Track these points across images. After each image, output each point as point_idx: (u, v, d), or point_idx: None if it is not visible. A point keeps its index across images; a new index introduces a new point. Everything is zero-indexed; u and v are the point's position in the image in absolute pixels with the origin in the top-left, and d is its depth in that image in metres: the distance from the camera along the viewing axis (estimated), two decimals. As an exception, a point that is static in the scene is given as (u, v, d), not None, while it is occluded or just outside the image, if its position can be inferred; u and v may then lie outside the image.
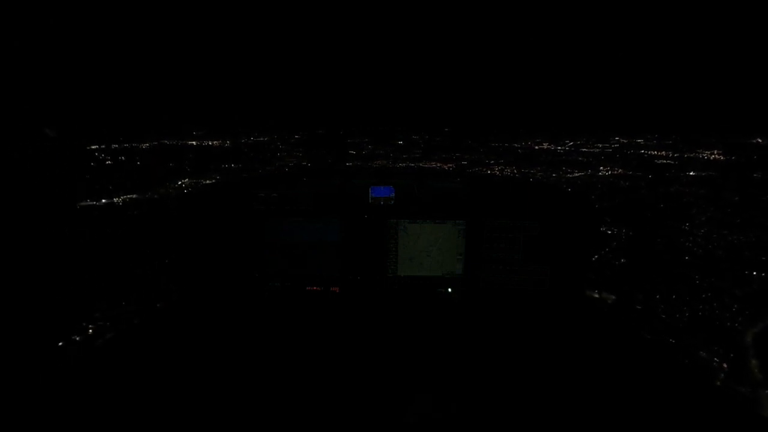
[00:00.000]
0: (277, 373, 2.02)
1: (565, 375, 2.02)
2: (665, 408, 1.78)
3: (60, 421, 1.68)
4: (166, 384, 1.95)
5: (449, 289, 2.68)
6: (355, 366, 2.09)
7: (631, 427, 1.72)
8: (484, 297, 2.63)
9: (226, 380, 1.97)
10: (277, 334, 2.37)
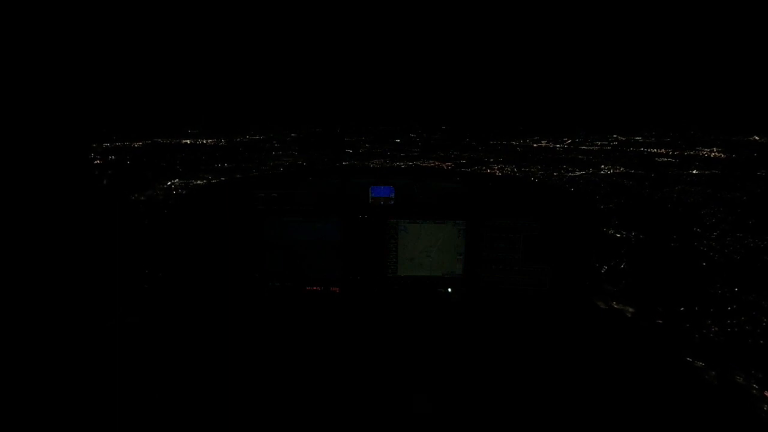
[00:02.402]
0: (277, 373, 1.99)
1: (565, 376, 2.00)
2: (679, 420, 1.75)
3: (61, 423, 1.67)
4: (166, 385, 1.93)
5: (449, 289, 2.63)
6: (355, 366, 2.07)
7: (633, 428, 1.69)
8: (484, 297, 2.60)
9: (226, 380, 1.94)
10: (277, 334, 2.35)
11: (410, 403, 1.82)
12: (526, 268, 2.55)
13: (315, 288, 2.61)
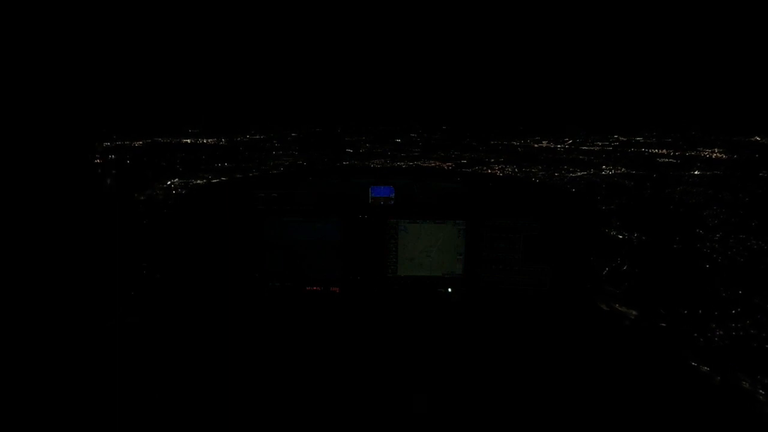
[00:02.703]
0: (277, 373, 2.01)
1: (565, 376, 2.01)
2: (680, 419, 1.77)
3: (62, 422, 1.69)
4: (166, 385, 1.95)
5: (449, 289, 2.65)
6: (355, 366, 2.08)
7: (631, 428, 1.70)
8: (484, 297, 2.61)
9: (226, 380, 1.96)
10: (276, 335, 2.37)
11: (410, 403, 1.82)
12: (526, 268, 2.57)
13: (315, 288, 2.62)
